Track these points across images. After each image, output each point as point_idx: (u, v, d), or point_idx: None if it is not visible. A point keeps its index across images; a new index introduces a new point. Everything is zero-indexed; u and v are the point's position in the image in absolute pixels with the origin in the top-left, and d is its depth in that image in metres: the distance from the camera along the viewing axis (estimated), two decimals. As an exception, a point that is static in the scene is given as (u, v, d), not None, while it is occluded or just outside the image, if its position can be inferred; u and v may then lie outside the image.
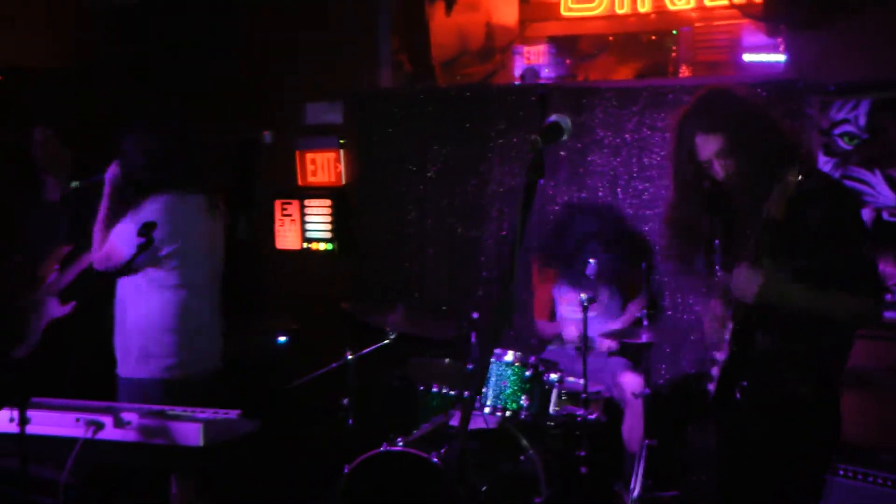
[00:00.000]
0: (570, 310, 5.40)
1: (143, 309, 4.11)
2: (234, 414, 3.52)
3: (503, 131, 6.09)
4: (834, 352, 3.17)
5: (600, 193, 5.72)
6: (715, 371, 3.26)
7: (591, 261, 4.83)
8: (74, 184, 4.41)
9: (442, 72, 7.38)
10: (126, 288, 4.16)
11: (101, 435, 3.24)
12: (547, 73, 7.67)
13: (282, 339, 6.14)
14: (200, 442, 3.19)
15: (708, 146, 3.17)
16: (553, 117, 2.41)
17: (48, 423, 3.29)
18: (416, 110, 6.44)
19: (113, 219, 4.14)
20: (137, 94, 6.66)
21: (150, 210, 4.01)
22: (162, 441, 3.22)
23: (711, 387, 3.28)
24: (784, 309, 3.04)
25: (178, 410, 3.47)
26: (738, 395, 3.17)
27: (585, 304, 4.50)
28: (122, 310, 4.18)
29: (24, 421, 2.97)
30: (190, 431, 3.20)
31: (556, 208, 5.84)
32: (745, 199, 3.11)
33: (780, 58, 5.88)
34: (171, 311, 4.10)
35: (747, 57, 6.94)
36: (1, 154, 6.09)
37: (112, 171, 4.18)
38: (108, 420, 3.25)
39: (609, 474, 5.05)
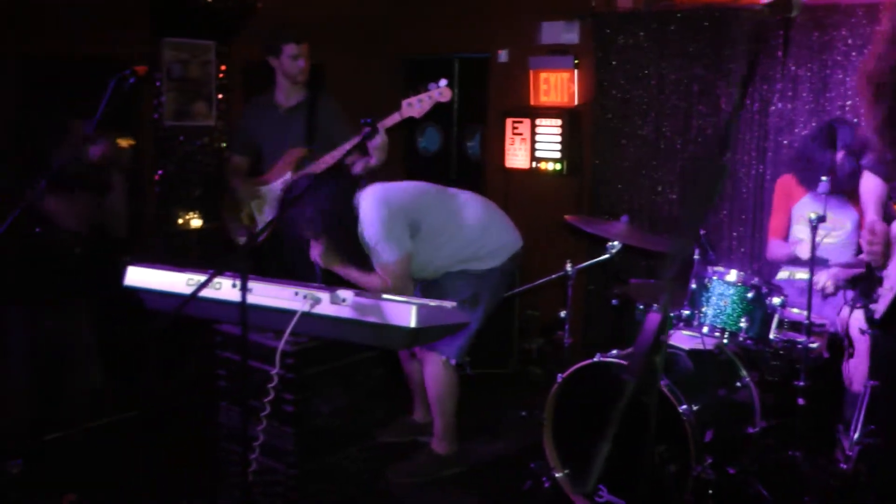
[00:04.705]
0: (802, 229, 5.11)
1: None
2: (448, 304, 3.59)
3: (743, 53, 5.87)
4: None
5: (847, 115, 5.43)
6: (883, 291, 3.00)
7: (823, 178, 4.55)
8: None
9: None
10: None
11: (318, 309, 3.37)
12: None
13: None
14: (412, 323, 3.26)
15: None
16: None
17: (270, 294, 3.45)
18: (656, 31, 6.29)
19: None
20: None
21: None
22: (374, 319, 3.30)
23: (880, 306, 3.02)
24: None
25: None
26: None
27: (814, 223, 4.24)
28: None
29: (244, 287, 3.02)
30: (403, 312, 3.27)
31: (798, 131, 5.60)
32: None
33: None
34: None
35: None
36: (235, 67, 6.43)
37: None
38: (325, 295, 3.37)
39: (828, 413, 4.78)
